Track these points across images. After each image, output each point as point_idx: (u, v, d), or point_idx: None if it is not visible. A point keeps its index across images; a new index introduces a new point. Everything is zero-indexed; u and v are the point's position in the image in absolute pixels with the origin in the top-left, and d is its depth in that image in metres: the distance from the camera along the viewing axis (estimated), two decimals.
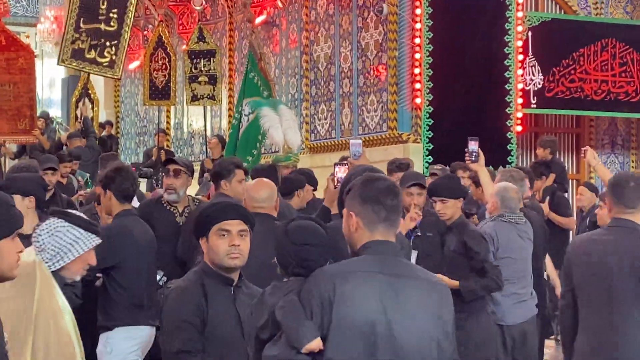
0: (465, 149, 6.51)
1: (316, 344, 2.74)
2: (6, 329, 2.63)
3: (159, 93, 14.71)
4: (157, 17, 15.86)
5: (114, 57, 11.64)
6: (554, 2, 13.12)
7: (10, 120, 12.56)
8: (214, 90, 13.98)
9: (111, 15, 11.60)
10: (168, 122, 17.37)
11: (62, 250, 3.30)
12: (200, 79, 13.85)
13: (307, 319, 2.77)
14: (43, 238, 3.30)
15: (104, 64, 11.72)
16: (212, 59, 13.92)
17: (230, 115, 15.38)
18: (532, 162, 11.13)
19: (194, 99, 14.08)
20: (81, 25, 11.54)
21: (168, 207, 6.10)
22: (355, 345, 2.74)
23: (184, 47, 15.06)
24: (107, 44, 11.65)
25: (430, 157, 11.09)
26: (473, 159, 6.53)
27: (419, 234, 5.95)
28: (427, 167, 11.07)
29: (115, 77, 12.79)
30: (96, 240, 3.37)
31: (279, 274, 3.12)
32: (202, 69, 13.89)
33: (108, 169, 5.55)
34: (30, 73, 12.66)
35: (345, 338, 2.74)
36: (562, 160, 12.96)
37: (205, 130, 14.88)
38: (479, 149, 6.57)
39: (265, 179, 4.99)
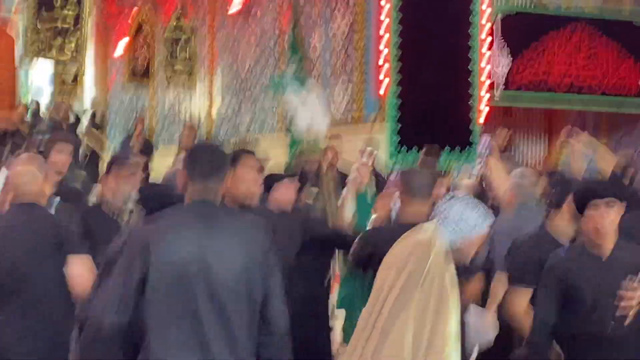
0: (479, 144, 6.30)
1: None
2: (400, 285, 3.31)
3: (139, 74, 14.91)
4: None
5: (74, 54, 11.83)
6: None
7: None
8: (189, 76, 14.19)
9: (66, 12, 11.77)
10: (152, 107, 17.56)
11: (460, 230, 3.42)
12: (176, 65, 14.06)
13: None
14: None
15: (66, 61, 11.92)
16: (188, 45, 14.11)
17: (210, 99, 15.58)
18: None
19: (171, 83, 14.32)
20: (38, 25, 11.72)
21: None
22: (171, 284, 2.99)
23: (163, 33, 15.30)
24: (66, 41, 11.83)
25: (397, 136, 11.21)
26: (488, 152, 6.12)
27: None
28: (395, 147, 11.20)
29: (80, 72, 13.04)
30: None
31: None
32: (179, 55, 14.09)
33: None
34: (9, 60, 12.83)
35: (162, 278, 2.99)
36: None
37: (178, 115, 15.06)
38: (493, 143, 6.22)
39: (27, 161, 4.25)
